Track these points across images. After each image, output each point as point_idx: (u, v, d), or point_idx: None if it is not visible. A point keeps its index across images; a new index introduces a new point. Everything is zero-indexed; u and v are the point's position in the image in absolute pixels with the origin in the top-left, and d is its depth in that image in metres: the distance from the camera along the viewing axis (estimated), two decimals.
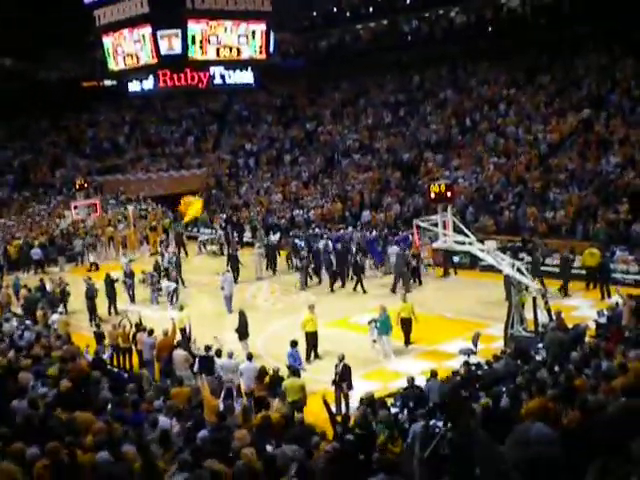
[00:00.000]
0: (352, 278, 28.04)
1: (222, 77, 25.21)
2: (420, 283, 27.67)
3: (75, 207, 36.53)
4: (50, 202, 44.01)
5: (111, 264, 33.80)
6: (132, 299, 27.92)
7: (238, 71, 25.78)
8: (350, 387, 16.41)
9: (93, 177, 46.41)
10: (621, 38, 36.01)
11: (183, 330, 20.58)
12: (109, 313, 26.24)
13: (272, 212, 39.97)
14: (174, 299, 26.77)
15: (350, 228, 33.77)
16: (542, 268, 25.86)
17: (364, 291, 27.07)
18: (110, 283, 26.62)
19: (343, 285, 28.10)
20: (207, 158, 49.44)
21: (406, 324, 20.66)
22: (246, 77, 26.31)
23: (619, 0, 35.49)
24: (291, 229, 36.26)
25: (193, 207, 40.01)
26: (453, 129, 39.26)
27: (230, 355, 17.26)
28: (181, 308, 22.04)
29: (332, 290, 27.72)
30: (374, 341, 20.27)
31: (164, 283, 27.82)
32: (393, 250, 28.37)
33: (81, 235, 37.61)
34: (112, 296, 26.58)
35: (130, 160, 49.65)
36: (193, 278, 30.89)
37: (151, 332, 19.23)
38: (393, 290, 26.51)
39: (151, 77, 25.40)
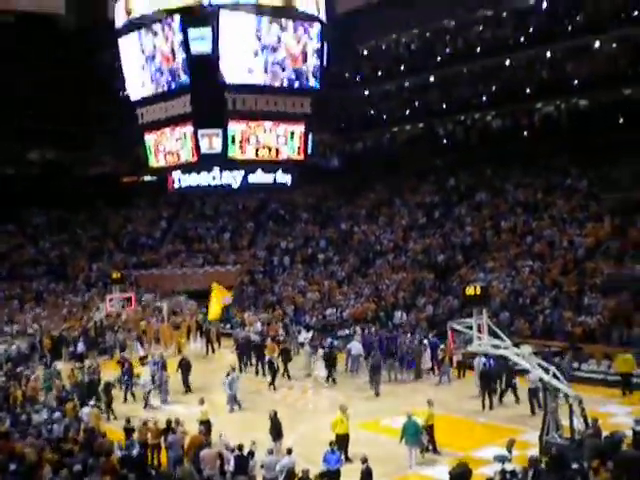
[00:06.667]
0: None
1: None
2: None
3: (110, 300, 36.72)
4: (85, 295, 44.38)
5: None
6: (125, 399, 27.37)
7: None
8: None
9: (129, 271, 46.95)
10: None
11: (206, 422, 20.49)
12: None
13: (304, 311, 39.93)
14: (148, 400, 26.42)
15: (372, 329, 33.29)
16: (578, 374, 25.54)
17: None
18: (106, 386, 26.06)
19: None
20: (242, 255, 49.87)
21: (430, 431, 20.21)
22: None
23: None
24: (323, 329, 36.06)
25: (214, 303, 36.04)
26: (488, 231, 39.32)
27: (270, 452, 17.03)
28: (201, 402, 21.84)
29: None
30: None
31: (141, 380, 27.06)
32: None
33: (114, 329, 37.49)
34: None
35: (166, 255, 50.31)
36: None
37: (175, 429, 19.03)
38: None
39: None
